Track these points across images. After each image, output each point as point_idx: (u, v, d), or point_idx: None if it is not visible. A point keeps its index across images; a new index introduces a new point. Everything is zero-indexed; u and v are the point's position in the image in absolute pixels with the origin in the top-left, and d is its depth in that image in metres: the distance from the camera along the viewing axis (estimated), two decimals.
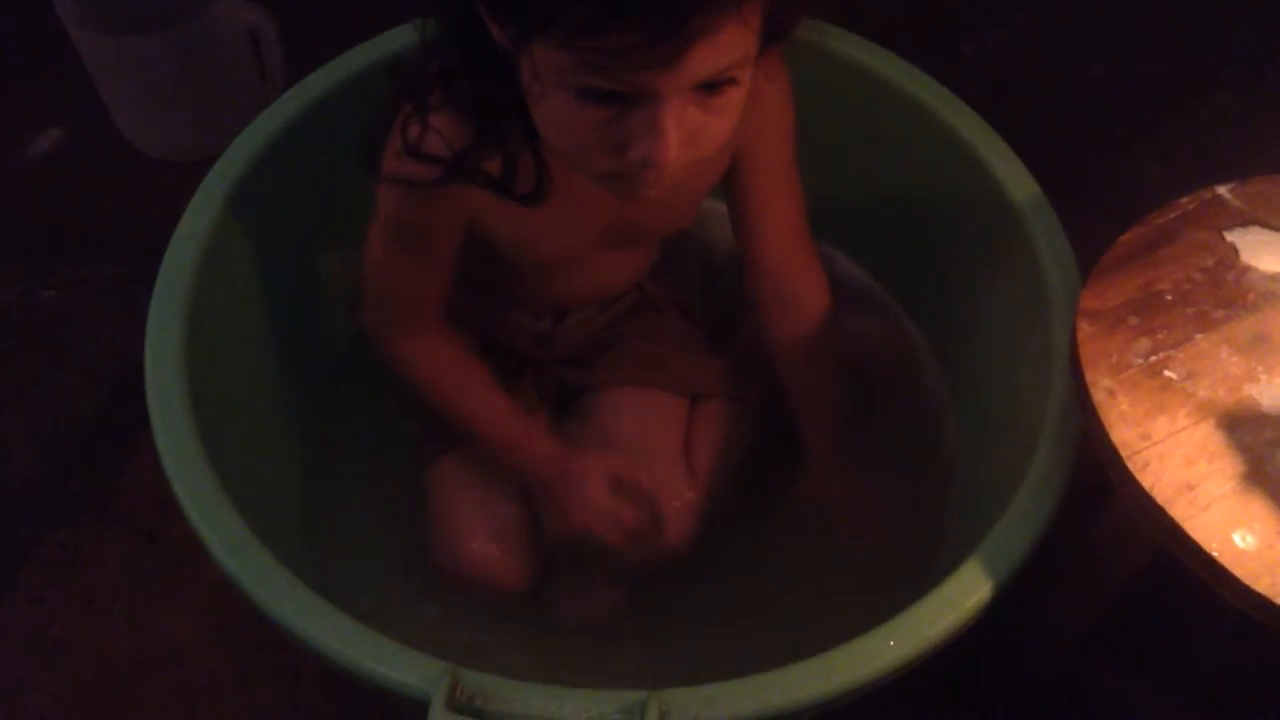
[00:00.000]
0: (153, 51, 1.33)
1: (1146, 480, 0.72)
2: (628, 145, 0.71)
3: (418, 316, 0.93)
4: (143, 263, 0.96)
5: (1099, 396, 0.76)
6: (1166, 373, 0.77)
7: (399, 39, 1.05)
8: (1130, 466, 0.72)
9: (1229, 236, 0.84)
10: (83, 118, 1.47)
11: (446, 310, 0.95)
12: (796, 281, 0.99)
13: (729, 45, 0.67)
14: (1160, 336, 0.79)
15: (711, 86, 0.70)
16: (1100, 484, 0.79)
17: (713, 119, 0.72)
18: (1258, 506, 0.71)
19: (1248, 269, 0.83)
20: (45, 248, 1.38)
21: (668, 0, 0.62)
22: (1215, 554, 0.69)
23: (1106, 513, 0.83)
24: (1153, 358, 0.78)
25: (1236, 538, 0.69)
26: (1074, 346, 0.79)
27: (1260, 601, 0.67)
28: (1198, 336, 0.79)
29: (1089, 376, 0.77)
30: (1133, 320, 0.80)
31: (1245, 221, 0.85)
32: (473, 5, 0.72)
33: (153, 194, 1.41)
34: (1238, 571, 0.68)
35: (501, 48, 0.72)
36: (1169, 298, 0.81)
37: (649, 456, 0.98)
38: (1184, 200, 0.87)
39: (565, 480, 0.94)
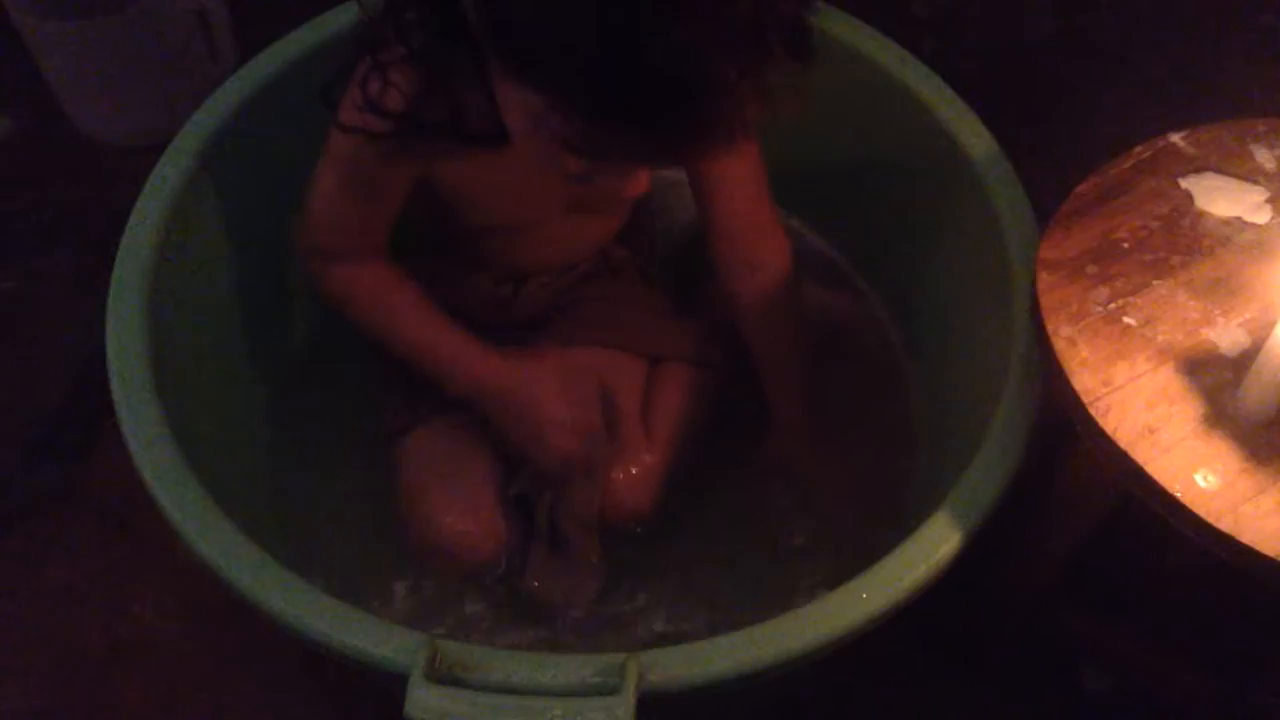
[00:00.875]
0: (100, 35, 1.31)
1: (1109, 425, 0.73)
2: (601, 177, 0.73)
3: (359, 249, 0.92)
4: (100, 250, 0.95)
5: (1060, 345, 0.76)
6: (1125, 319, 0.78)
7: (350, 14, 1.03)
8: (1092, 412, 0.73)
9: (1183, 183, 0.85)
10: (30, 106, 1.45)
11: (386, 247, 0.93)
12: (759, 243, 0.99)
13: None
14: (1119, 284, 0.80)
15: None
16: (1064, 431, 0.81)
17: None
18: (1218, 446, 0.72)
19: (1202, 214, 0.84)
20: (1, 237, 1.36)
21: (688, 135, 0.64)
22: (1178, 494, 0.70)
23: (1071, 459, 0.84)
24: (1111, 305, 0.79)
25: (1198, 478, 0.70)
26: (1034, 296, 0.80)
27: (1223, 539, 0.69)
28: (1155, 283, 0.80)
29: (1049, 325, 0.78)
30: (1091, 269, 0.81)
31: (1199, 168, 0.86)
32: None
33: (106, 180, 1.40)
34: (1200, 510, 0.69)
35: (470, 21, 0.71)
36: (1126, 245, 0.82)
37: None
38: (1138, 149, 0.88)
39: (513, 392, 0.92)
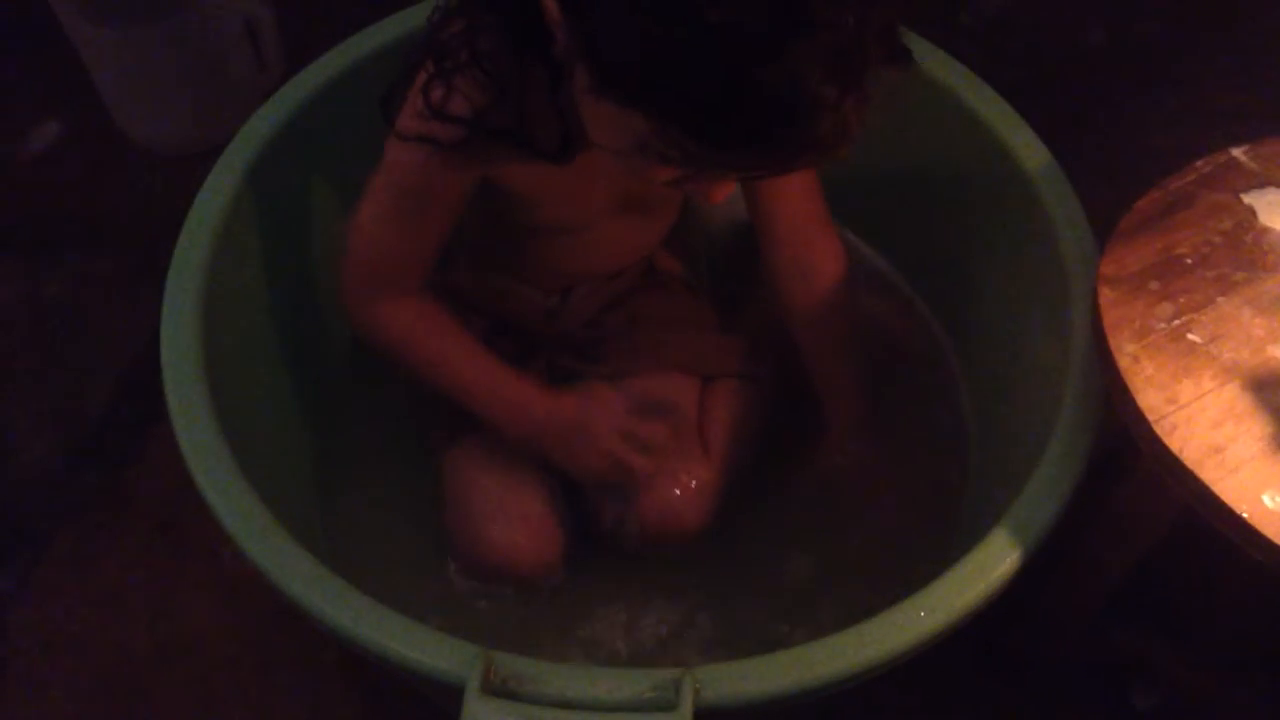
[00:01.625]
0: (148, 42, 1.32)
1: (1174, 444, 0.72)
2: (688, 184, 0.73)
3: (401, 281, 0.90)
4: (145, 255, 0.95)
5: (1123, 362, 0.76)
6: (1190, 336, 0.77)
7: (402, 24, 1.04)
8: (1158, 431, 0.72)
9: (1246, 198, 0.84)
10: (80, 112, 1.46)
11: (426, 283, 0.92)
12: (813, 248, 0.98)
13: None
14: (1182, 300, 0.79)
15: None
16: (1122, 450, 0.80)
17: None
18: None
19: (1266, 230, 0.82)
20: (47, 244, 1.37)
21: (793, 151, 0.64)
22: (1246, 515, 0.69)
23: (1130, 478, 0.83)
24: (1175, 322, 0.78)
25: (1266, 498, 0.69)
26: (1096, 313, 0.79)
27: None
28: (1219, 299, 0.79)
29: (1112, 342, 0.77)
30: (1153, 285, 0.80)
31: (1261, 183, 0.85)
32: None
33: (152, 187, 1.41)
34: (1269, 531, 0.68)
35: (549, 25, 0.69)
36: (1189, 261, 0.81)
37: None
38: (1199, 163, 0.87)
39: (571, 429, 0.91)
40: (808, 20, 0.60)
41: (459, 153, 0.80)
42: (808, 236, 0.98)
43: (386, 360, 0.93)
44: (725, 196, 0.76)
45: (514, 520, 0.96)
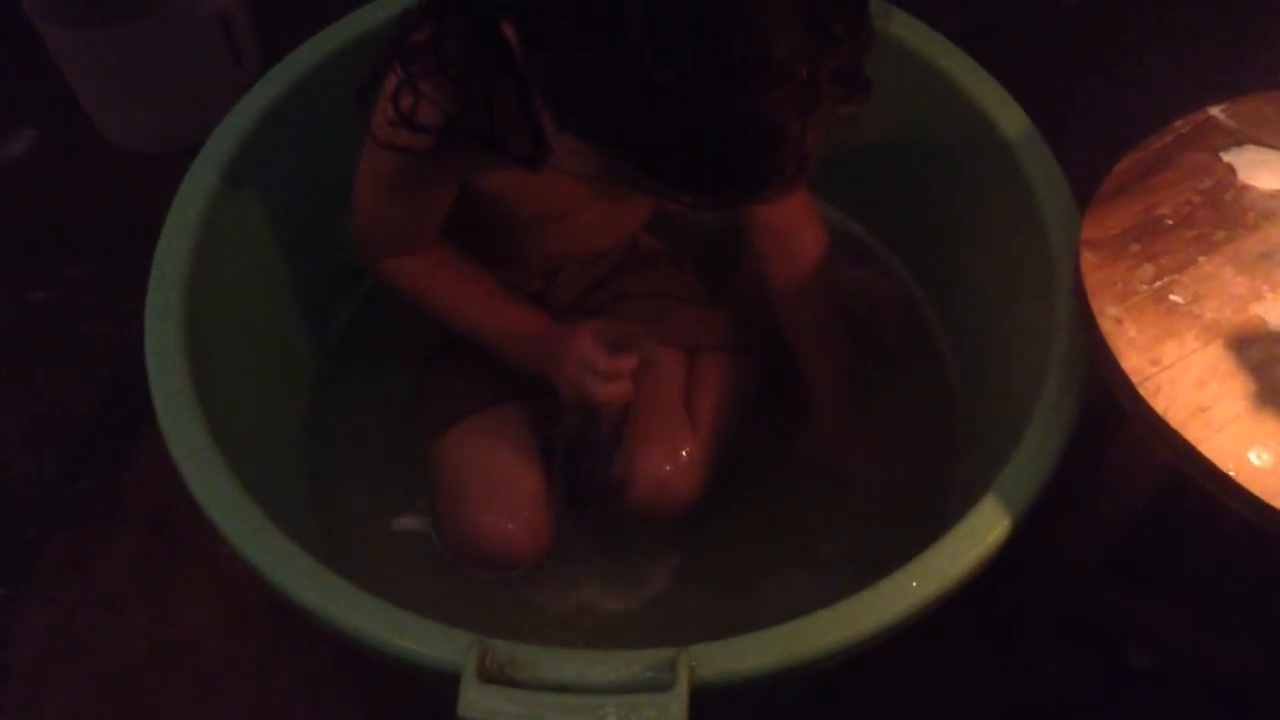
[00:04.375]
0: (123, 43, 1.31)
1: (1159, 405, 0.72)
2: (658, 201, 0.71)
3: (406, 245, 0.93)
4: (129, 256, 0.95)
5: (1106, 325, 0.76)
6: (1172, 297, 0.77)
7: (376, 14, 1.03)
8: (1142, 392, 0.72)
9: (1225, 157, 0.84)
10: (57, 115, 1.45)
11: (438, 235, 0.94)
12: (797, 231, 0.98)
13: None
14: (1164, 261, 0.79)
15: None
16: (1109, 412, 0.80)
17: None
18: (1271, 424, 0.71)
19: (1246, 188, 0.82)
20: (31, 247, 1.37)
21: (751, 186, 0.63)
22: (1232, 473, 0.69)
23: (1118, 439, 0.83)
24: (1157, 283, 0.78)
25: (1252, 455, 0.70)
26: (1078, 276, 0.79)
27: (1278, 516, 0.68)
28: (1201, 259, 0.79)
29: (1095, 305, 0.77)
30: (1135, 247, 0.80)
31: (1240, 141, 0.85)
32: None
33: (133, 187, 1.40)
34: (1255, 489, 0.68)
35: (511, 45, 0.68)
36: (1169, 222, 0.81)
37: (649, 411, 0.98)
38: (1177, 123, 0.87)
39: (548, 358, 0.93)
40: (761, 74, 0.59)
41: (432, 159, 0.80)
42: (792, 224, 0.98)
43: (406, 299, 0.96)
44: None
45: (505, 509, 0.96)
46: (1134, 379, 0.73)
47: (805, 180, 0.65)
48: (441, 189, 0.88)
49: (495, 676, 0.71)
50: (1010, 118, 0.98)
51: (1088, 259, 0.79)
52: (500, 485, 0.97)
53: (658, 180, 0.63)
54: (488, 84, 0.74)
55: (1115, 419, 0.81)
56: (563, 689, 0.70)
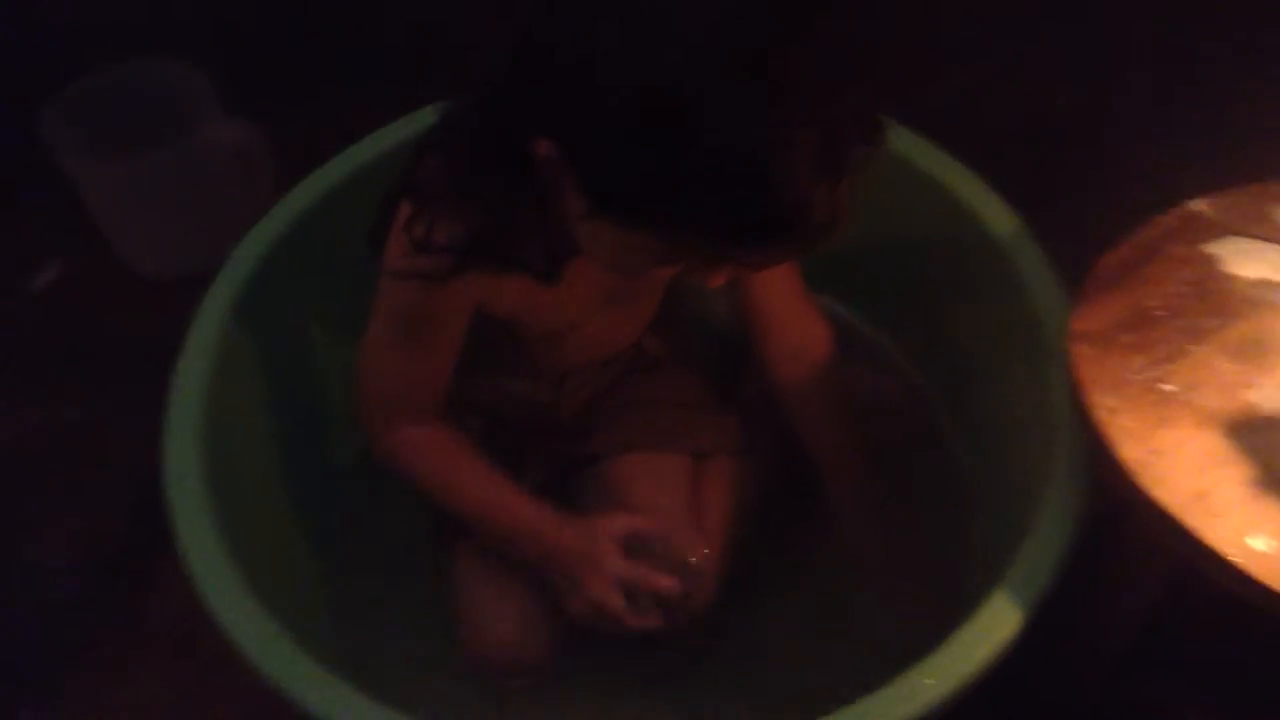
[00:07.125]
0: (145, 174, 1.36)
1: (1158, 493, 0.73)
2: (689, 274, 0.76)
3: (417, 409, 0.93)
4: (157, 379, 0.98)
5: (1101, 415, 0.77)
6: (1165, 386, 0.78)
7: (384, 140, 1.08)
8: (1140, 481, 0.74)
9: (1208, 248, 0.86)
10: (80, 246, 1.50)
11: (444, 406, 0.95)
12: (801, 331, 1.01)
13: None
14: (1155, 351, 0.80)
15: None
16: (1117, 498, 0.80)
17: None
18: (1272, 508, 0.72)
19: (1231, 278, 0.84)
20: (60, 373, 1.41)
21: (804, 235, 0.68)
22: (1235, 560, 0.70)
23: (1127, 528, 0.84)
24: (1150, 373, 0.79)
25: (1253, 542, 0.70)
26: (1071, 369, 0.80)
27: None
28: (1191, 348, 0.80)
29: (1089, 397, 0.78)
30: (1126, 338, 0.81)
31: (1222, 232, 0.87)
32: (523, 112, 0.71)
33: (157, 312, 1.42)
34: (1258, 574, 0.69)
35: (537, 160, 0.71)
36: (1159, 313, 0.83)
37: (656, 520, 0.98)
38: (1159, 217, 0.89)
39: (579, 560, 0.90)
40: (799, 121, 0.65)
41: (450, 286, 0.82)
42: (796, 322, 1.01)
43: (405, 483, 0.95)
44: (725, 280, 0.79)
45: (517, 622, 0.97)
46: (1132, 468, 0.74)
47: (844, 228, 0.70)
48: (458, 320, 0.89)
49: None
50: (1000, 219, 1.01)
51: (1080, 351, 0.81)
52: (508, 599, 0.98)
53: (711, 243, 0.69)
54: (508, 200, 0.77)
55: (1122, 508, 0.81)
56: None
